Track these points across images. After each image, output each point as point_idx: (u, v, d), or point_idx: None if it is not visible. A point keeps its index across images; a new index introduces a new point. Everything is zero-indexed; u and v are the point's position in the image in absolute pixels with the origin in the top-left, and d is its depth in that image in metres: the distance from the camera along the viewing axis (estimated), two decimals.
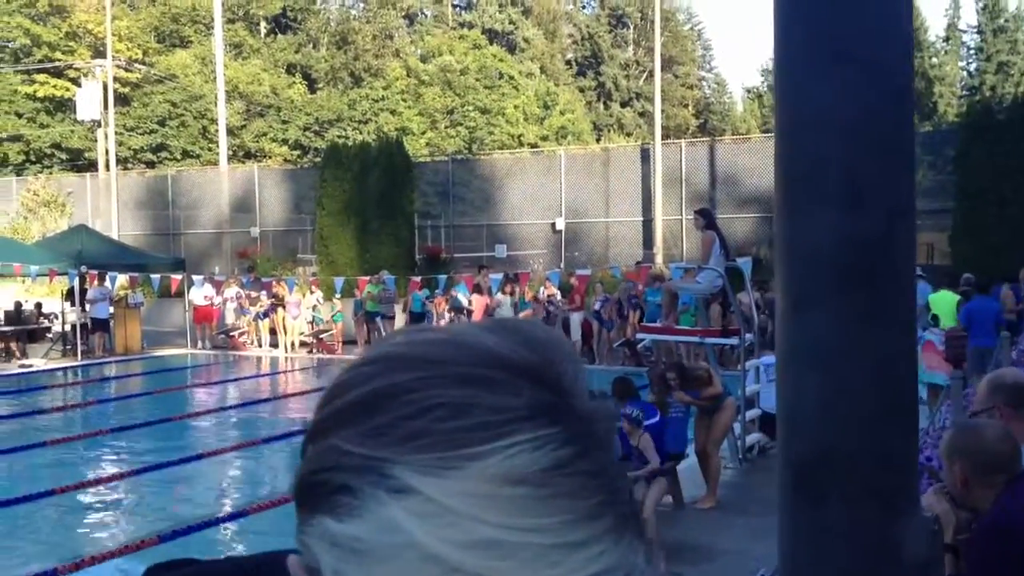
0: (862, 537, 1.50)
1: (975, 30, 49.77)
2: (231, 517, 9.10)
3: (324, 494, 0.55)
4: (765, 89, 56.13)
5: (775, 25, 1.52)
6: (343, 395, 0.58)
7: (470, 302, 21.61)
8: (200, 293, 24.55)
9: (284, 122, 47.00)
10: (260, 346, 24.22)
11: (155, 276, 24.29)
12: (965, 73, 51.29)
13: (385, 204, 26.44)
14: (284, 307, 23.70)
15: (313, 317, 23.95)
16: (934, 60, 49.82)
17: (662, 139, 28.14)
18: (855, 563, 1.52)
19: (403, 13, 58.33)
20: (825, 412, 1.50)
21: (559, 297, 21.28)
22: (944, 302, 14.31)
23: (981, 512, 3.01)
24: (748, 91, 62.15)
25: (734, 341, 11.60)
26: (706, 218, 12.01)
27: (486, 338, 0.58)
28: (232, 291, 24.82)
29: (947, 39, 51.33)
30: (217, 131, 37.28)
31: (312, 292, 24.07)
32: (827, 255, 1.46)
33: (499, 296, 21.28)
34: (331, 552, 0.53)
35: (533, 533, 0.49)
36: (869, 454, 1.49)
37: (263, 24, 54.77)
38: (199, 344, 24.60)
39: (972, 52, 50.68)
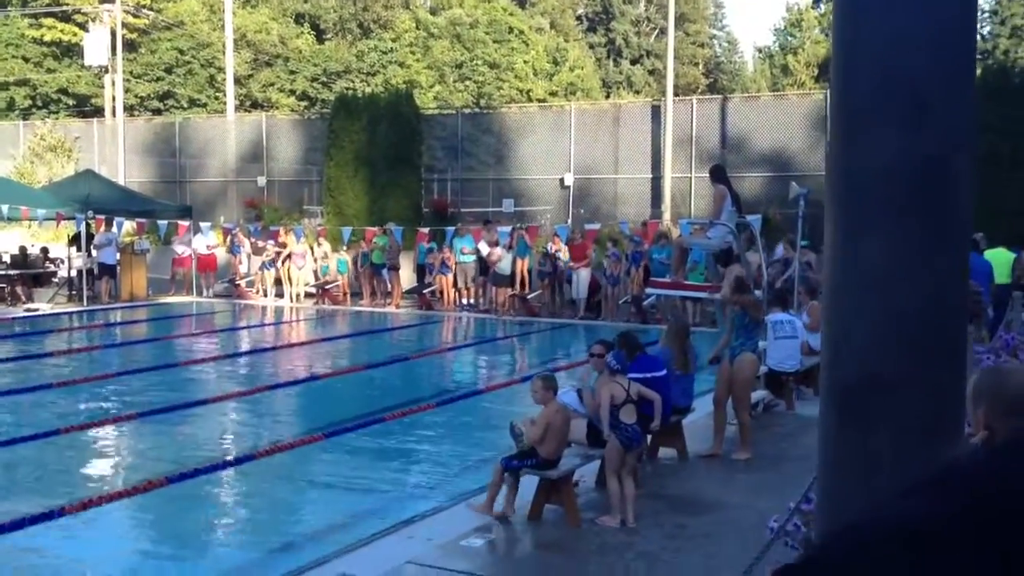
0: (907, 464, 1.48)
1: None
2: (238, 461, 9.14)
3: None
4: (776, 49, 55.58)
5: None
6: None
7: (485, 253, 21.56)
8: (203, 242, 24.54)
9: (292, 72, 46.69)
10: (265, 296, 24.21)
11: (162, 223, 24.24)
12: (979, 37, 50.75)
13: (394, 156, 26.33)
14: (290, 257, 23.67)
15: (319, 266, 23.87)
16: None
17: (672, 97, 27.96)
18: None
19: None
20: (874, 338, 1.47)
21: (566, 252, 21.11)
22: (999, 260, 14.73)
23: None
24: (759, 51, 61.56)
25: None
26: (717, 173, 11.95)
27: None
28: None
29: None
30: (224, 80, 37.07)
31: (320, 244, 23.96)
32: (885, 180, 1.42)
33: (498, 250, 21.10)
34: None
35: None
36: (917, 380, 1.47)
37: None
38: (203, 292, 24.60)
39: (986, 15, 50.13)
